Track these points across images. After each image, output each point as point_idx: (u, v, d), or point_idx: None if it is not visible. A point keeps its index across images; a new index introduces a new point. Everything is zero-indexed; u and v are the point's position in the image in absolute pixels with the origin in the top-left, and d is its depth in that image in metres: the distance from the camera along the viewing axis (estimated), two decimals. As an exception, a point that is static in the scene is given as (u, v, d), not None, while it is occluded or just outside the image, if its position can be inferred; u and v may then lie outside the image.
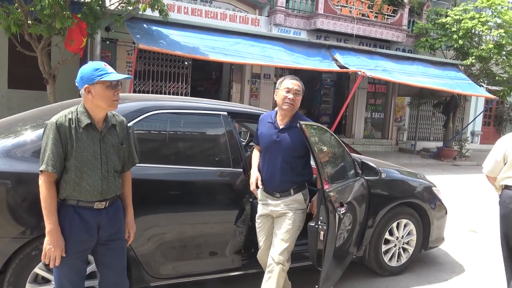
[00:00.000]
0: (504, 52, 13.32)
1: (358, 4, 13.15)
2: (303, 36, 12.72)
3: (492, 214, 6.73)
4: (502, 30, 12.92)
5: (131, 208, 2.46)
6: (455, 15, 13.27)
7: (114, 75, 2.19)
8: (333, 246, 2.94)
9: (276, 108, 3.05)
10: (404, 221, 4.10)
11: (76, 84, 2.20)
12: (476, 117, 15.53)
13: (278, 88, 3.00)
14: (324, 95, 15.42)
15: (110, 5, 8.40)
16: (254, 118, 3.45)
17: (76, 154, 2.14)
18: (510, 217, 3.23)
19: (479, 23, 12.81)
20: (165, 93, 10.78)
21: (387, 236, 3.98)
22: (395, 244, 4.07)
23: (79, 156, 2.15)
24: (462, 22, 13.00)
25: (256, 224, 3.12)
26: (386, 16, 13.69)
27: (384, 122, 15.64)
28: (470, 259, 4.78)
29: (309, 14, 12.88)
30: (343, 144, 3.47)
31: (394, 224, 4.03)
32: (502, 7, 13.24)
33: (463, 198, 8.07)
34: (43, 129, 2.17)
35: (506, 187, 3.26)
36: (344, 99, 11.40)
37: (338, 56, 11.18)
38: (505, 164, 3.27)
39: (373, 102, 15.36)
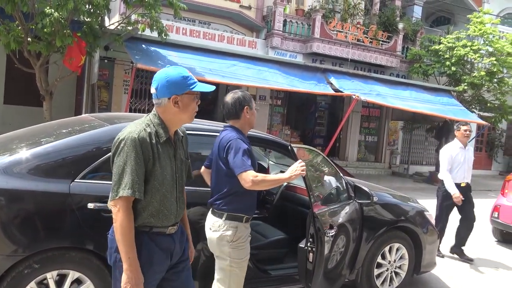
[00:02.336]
0: (495, 80, 13.58)
1: (353, 29, 13.41)
2: (299, 59, 12.92)
3: (486, 241, 6.77)
4: (493, 58, 13.20)
5: (189, 228, 2.29)
6: (448, 42, 13.57)
7: (204, 85, 2.00)
8: (322, 267, 2.96)
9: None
10: (396, 245, 4.13)
11: (154, 91, 1.94)
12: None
13: (251, 108, 2.79)
14: (318, 118, 15.54)
15: (110, 24, 8.54)
16: (258, 141, 3.49)
17: (157, 174, 1.89)
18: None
19: (471, 51, 13.09)
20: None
21: (379, 260, 4.00)
22: (387, 268, 4.08)
23: (160, 176, 1.90)
24: (455, 49, 13.28)
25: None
26: (380, 42, 13.95)
27: (377, 145, 15.76)
28: (461, 285, 4.78)
29: (306, 38, 13.10)
30: (336, 167, 3.52)
31: (387, 248, 4.05)
32: (493, 36, 13.56)
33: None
34: (117, 146, 1.86)
35: None
36: (338, 122, 11.54)
37: (333, 79, 11.34)
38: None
39: (367, 126, 15.51)
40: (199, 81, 2.03)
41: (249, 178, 2.40)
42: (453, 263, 5.54)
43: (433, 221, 4.49)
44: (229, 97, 2.71)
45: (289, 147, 2.91)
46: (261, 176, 2.46)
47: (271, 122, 13.60)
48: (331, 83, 11.28)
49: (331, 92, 11.14)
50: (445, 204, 5.52)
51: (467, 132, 5.56)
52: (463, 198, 5.29)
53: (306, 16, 13.23)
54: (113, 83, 10.67)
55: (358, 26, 13.62)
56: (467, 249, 5.74)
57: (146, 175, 1.86)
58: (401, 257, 4.17)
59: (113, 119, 3.30)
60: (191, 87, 1.94)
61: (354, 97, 10.58)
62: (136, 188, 1.80)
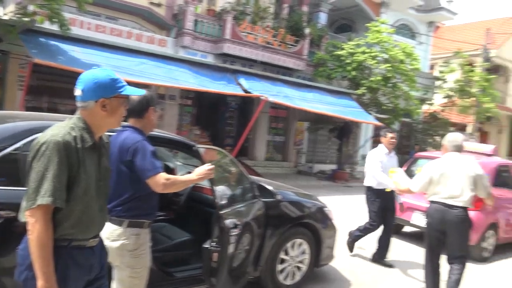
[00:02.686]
0: (390, 84, 14.85)
1: (263, 32, 13.79)
2: (210, 59, 12.96)
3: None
4: (388, 65, 14.43)
5: None
6: (350, 49, 14.57)
7: (133, 89, 1.91)
8: (227, 266, 3.05)
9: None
10: (298, 240, 4.35)
11: (80, 93, 1.81)
12: (366, 142, 16.98)
13: (155, 110, 2.75)
14: (228, 118, 15.72)
15: (3, 14, 7.85)
16: (161, 141, 3.46)
17: (81, 181, 1.75)
18: (432, 224, 4.23)
19: (370, 57, 14.21)
20: (62, 112, 10.20)
21: (282, 255, 4.19)
22: (290, 263, 4.29)
23: (84, 184, 1.77)
24: (355, 55, 14.31)
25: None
26: (288, 45, 14.52)
27: (284, 145, 16.39)
28: (357, 274, 5.19)
29: (216, 39, 13.18)
30: (242, 167, 3.63)
31: (289, 244, 4.25)
32: (389, 44, 14.82)
33: (353, 217, 8.72)
34: (37, 150, 1.70)
35: (431, 202, 4.25)
36: (247, 122, 11.78)
37: (242, 80, 11.57)
38: (431, 184, 4.21)
39: (275, 126, 16.07)
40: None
41: (161, 181, 2.36)
42: (345, 253, 5.98)
43: (332, 216, 4.80)
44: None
45: (194, 147, 2.94)
46: (172, 178, 2.44)
47: (180, 122, 13.48)
48: (241, 84, 11.49)
49: (241, 93, 11.35)
50: (375, 210, 5.64)
51: (393, 140, 5.66)
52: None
53: (217, 16, 13.31)
54: (6, 78, 9.81)
55: (268, 29, 14.03)
56: (365, 242, 6.19)
57: (68, 182, 1.72)
58: (302, 252, 4.42)
59: (4, 118, 3.06)
60: (120, 91, 1.86)
61: (262, 98, 10.90)
62: (57, 195, 1.66)
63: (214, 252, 2.92)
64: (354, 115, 13.67)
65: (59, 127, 1.78)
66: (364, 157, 18.78)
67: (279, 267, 4.18)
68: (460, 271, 4.14)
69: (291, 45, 14.60)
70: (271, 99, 11.19)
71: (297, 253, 4.34)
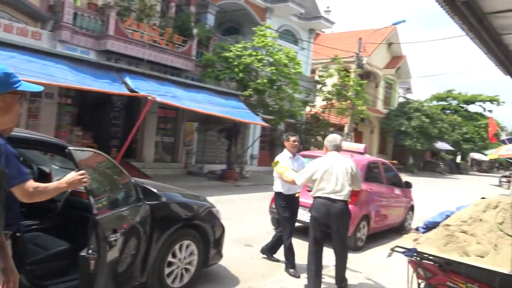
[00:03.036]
0: (275, 87, 15.51)
1: (149, 30, 13.40)
2: (92, 56, 12.21)
3: (264, 228, 7.68)
4: (273, 68, 15.08)
5: (6, 248, 1.94)
6: (237, 51, 14.90)
7: (30, 85, 1.76)
8: (106, 274, 2.90)
9: None
10: (186, 242, 4.31)
11: None
12: (254, 142, 17.53)
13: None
14: (114, 118, 14.98)
15: None
16: (26, 143, 3.14)
17: None
18: (317, 218, 4.53)
19: (256, 60, 14.69)
20: None
21: (170, 258, 4.11)
22: (178, 266, 4.23)
23: None
24: (242, 58, 14.67)
25: None
26: (176, 45, 14.32)
27: (174, 146, 16.15)
28: (245, 271, 5.31)
29: (99, 34, 12.46)
30: (123, 169, 3.48)
31: (177, 246, 4.19)
32: (273, 48, 15.47)
33: (242, 215, 8.95)
34: None
35: (316, 197, 4.54)
36: (134, 122, 11.34)
37: (128, 79, 11.11)
38: (314, 180, 4.53)
39: (163, 127, 15.74)
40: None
41: (29, 189, 2.14)
42: (238, 252, 6.11)
43: (219, 216, 4.84)
44: None
45: (67, 149, 2.72)
46: (41, 186, 2.22)
47: (59, 122, 12.47)
48: (127, 83, 11.02)
49: (126, 92, 10.88)
50: (287, 215, 5.42)
51: (296, 143, 5.58)
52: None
53: (99, 11, 12.59)
54: None
55: (154, 27, 13.68)
56: (253, 240, 6.36)
57: None
58: (191, 253, 4.38)
59: None
60: (15, 86, 1.71)
61: (149, 98, 10.59)
62: None
63: (91, 260, 2.74)
64: (242, 116, 14.00)
65: None
66: (252, 156, 19.43)
67: (167, 270, 4.09)
68: (345, 259, 4.60)
69: (179, 45, 14.43)
70: (159, 99, 10.93)
71: (185, 255, 4.29)
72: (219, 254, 4.83)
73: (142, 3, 13.99)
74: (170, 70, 14.46)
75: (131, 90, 10.93)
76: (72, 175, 2.32)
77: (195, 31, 15.00)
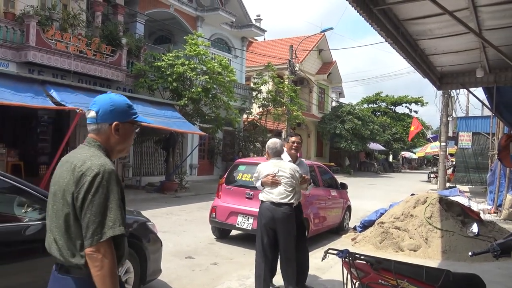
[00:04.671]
0: (210, 95, 15.45)
1: (75, 40, 12.82)
2: (12, 68, 11.47)
3: (206, 239, 7.57)
4: (207, 76, 15.00)
5: None
6: (169, 60, 14.66)
7: (142, 117, 1.92)
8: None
9: None
10: (120, 260, 4.12)
11: (93, 115, 1.80)
12: (192, 152, 17.30)
13: None
14: (41, 133, 14.16)
15: None
16: None
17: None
18: (263, 222, 4.52)
19: (189, 69, 14.53)
20: None
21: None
22: (113, 286, 4.03)
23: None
24: (175, 67, 14.46)
25: None
26: (105, 55, 13.82)
27: (109, 160, 15.51)
28: (186, 284, 5.19)
29: (19, 45, 11.73)
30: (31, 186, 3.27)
31: (111, 265, 3.99)
32: (206, 57, 15.41)
33: (182, 227, 8.75)
34: (90, 182, 1.65)
35: (263, 201, 4.59)
36: (64, 137, 10.74)
37: (53, 92, 10.50)
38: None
39: (95, 140, 15.05)
40: None
41: None
42: (179, 265, 5.96)
43: (155, 230, 4.69)
44: None
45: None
46: None
47: (-22, 141, 11.56)
48: (52, 96, 10.43)
49: (51, 105, 10.27)
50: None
51: (295, 144, 5.01)
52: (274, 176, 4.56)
53: (18, 21, 11.86)
54: None
55: (80, 37, 13.11)
56: (198, 252, 6.23)
57: None
58: (126, 271, 4.20)
59: None
60: (134, 117, 1.87)
61: (77, 111, 10.09)
62: (124, 224, 1.66)
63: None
64: (178, 125, 13.76)
65: (98, 156, 1.75)
66: (192, 166, 19.18)
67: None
68: (293, 263, 4.55)
69: (108, 55, 13.95)
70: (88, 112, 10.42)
71: (120, 274, 4.10)
72: (158, 269, 4.67)
73: (65, 12, 13.36)
74: (100, 81, 13.94)
75: (57, 104, 10.36)
76: None
77: (124, 40, 14.58)
